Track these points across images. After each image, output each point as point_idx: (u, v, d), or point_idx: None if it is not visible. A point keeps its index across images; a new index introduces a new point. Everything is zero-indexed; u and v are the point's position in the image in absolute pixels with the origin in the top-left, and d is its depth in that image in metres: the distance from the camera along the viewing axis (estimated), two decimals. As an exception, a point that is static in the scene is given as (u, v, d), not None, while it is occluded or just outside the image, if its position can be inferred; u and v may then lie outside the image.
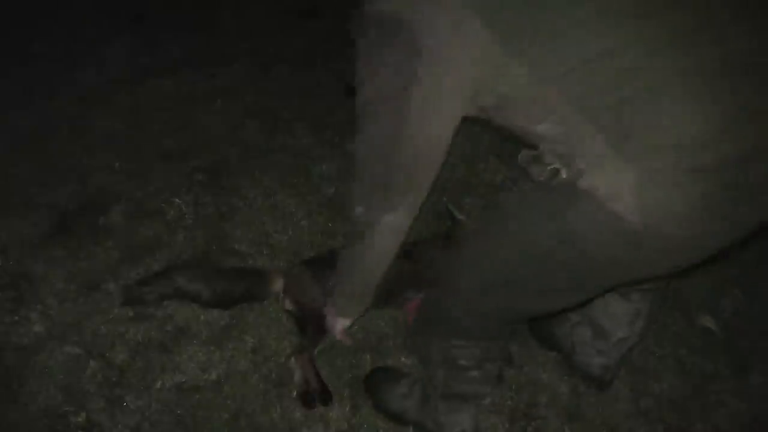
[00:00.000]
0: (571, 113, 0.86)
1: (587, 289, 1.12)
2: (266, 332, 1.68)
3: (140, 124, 2.35)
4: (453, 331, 1.29)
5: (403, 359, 1.67)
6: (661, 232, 0.87)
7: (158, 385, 1.55)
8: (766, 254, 1.99)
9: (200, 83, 2.60)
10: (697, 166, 0.81)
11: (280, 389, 1.57)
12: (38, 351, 1.58)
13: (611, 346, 1.54)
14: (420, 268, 1.68)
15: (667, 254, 0.93)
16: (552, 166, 0.93)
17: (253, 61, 2.77)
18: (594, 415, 1.60)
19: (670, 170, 0.83)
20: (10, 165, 2.10)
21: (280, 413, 1.53)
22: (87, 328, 1.64)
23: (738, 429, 1.62)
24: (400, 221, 1.15)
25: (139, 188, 2.05)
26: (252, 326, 1.69)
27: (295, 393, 1.55)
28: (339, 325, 1.50)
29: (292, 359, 1.58)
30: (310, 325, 1.59)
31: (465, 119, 1.01)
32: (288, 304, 1.65)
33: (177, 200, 2.01)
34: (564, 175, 0.91)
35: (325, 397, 1.53)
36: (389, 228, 1.16)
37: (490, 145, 2.31)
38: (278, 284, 1.69)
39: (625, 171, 0.85)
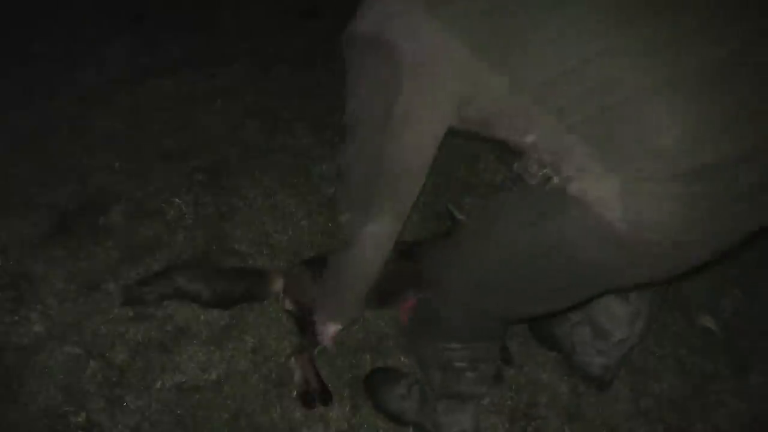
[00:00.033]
0: (553, 124, 0.88)
1: (577, 293, 1.12)
2: (266, 332, 1.68)
3: (140, 124, 2.35)
4: (444, 332, 1.29)
5: (402, 359, 1.67)
6: (649, 239, 0.88)
7: (158, 385, 1.55)
8: (766, 254, 1.99)
9: (200, 83, 2.59)
10: (680, 173, 0.82)
11: (280, 389, 1.57)
12: (38, 351, 1.58)
13: (611, 347, 1.54)
14: (420, 268, 1.67)
15: (658, 261, 0.94)
16: (543, 172, 0.94)
17: (253, 61, 2.76)
18: (594, 415, 1.60)
19: (652, 177, 0.83)
20: (10, 165, 2.10)
21: (280, 413, 1.53)
22: (87, 328, 1.64)
23: (738, 429, 1.62)
24: (383, 231, 1.17)
25: (139, 188, 2.05)
26: (252, 326, 1.69)
27: (295, 393, 1.55)
28: (328, 331, 1.50)
29: (292, 359, 1.58)
30: (310, 325, 1.59)
31: (454, 133, 1.04)
32: (288, 304, 1.65)
33: (177, 200, 2.01)
34: (555, 180, 0.92)
35: (325, 397, 1.53)
36: (372, 238, 1.18)
37: (490, 145, 2.31)
38: (278, 284, 1.69)
39: (608, 179, 0.85)
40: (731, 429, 1.62)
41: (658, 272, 1.00)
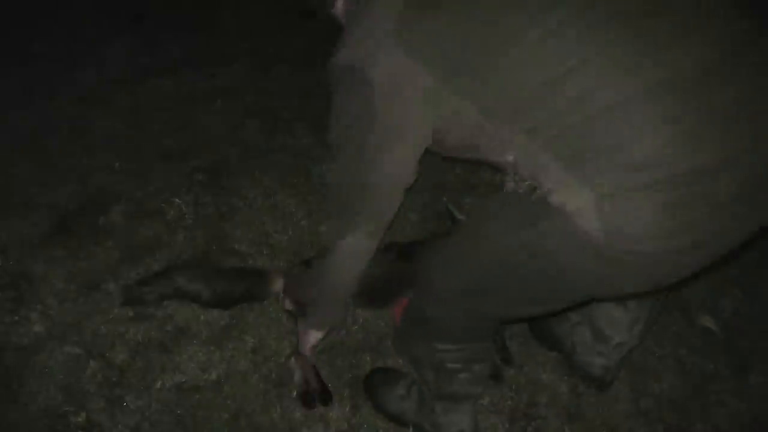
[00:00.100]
0: (527, 144, 0.91)
1: (561, 298, 1.13)
2: (266, 332, 1.68)
3: (140, 124, 2.35)
4: (435, 333, 1.30)
5: (402, 360, 1.66)
6: (628, 249, 0.88)
7: (158, 385, 1.55)
8: (766, 254, 1.99)
9: (200, 83, 2.60)
10: (656, 182, 0.83)
11: (280, 389, 1.57)
12: (38, 351, 1.58)
13: (611, 349, 1.55)
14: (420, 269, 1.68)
15: (642, 270, 0.94)
16: (528, 183, 0.97)
17: (253, 61, 2.76)
18: (594, 415, 1.60)
19: (628, 188, 0.85)
20: (10, 165, 2.10)
21: (280, 413, 1.53)
22: (87, 328, 1.64)
23: (738, 429, 1.62)
24: (358, 245, 1.23)
25: (139, 188, 2.05)
26: (252, 326, 1.69)
27: (295, 393, 1.55)
28: (309, 339, 1.51)
29: (292, 359, 1.58)
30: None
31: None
32: (288, 304, 1.65)
33: (177, 200, 2.01)
34: (539, 192, 0.94)
35: (325, 397, 1.53)
36: (349, 249, 1.24)
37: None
38: (278, 284, 1.69)
39: (584, 192, 0.87)
40: (731, 429, 1.61)
41: (645, 281, 1.01)
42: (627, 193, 0.85)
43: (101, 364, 1.57)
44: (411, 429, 1.50)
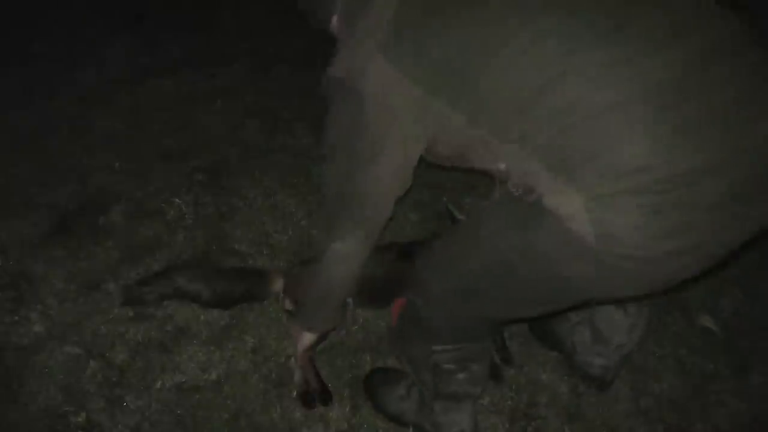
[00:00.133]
0: (517, 152, 0.93)
1: (556, 300, 1.14)
2: (266, 332, 1.68)
3: (140, 124, 2.35)
4: (430, 333, 1.30)
5: (399, 360, 1.66)
6: (620, 252, 0.89)
7: (158, 385, 1.55)
8: (766, 255, 1.99)
9: (200, 83, 2.60)
10: (642, 186, 0.83)
11: (280, 389, 1.57)
12: (38, 351, 1.58)
13: (611, 351, 1.55)
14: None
15: (634, 273, 0.94)
16: (523, 187, 0.98)
17: (253, 61, 2.76)
18: (594, 415, 1.60)
19: (615, 192, 0.85)
20: (10, 165, 2.10)
21: (280, 413, 1.53)
22: (87, 328, 1.64)
23: (738, 429, 1.62)
24: (347, 251, 1.24)
25: (139, 188, 2.05)
26: (252, 326, 1.69)
27: (295, 393, 1.55)
28: (303, 340, 1.52)
29: (292, 359, 1.58)
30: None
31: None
32: (288, 304, 1.65)
33: (177, 200, 2.01)
34: (533, 195, 0.95)
35: (325, 397, 1.53)
36: (339, 255, 1.25)
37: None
38: (278, 284, 1.69)
39: (572, 196, 0.88)
40: (731, 429, 1.61)
41: (640, 285, 1.01)
42: (615, 198, 0.85)
43: (101, 364, 1.57)
44: (411, 429, 1.50)
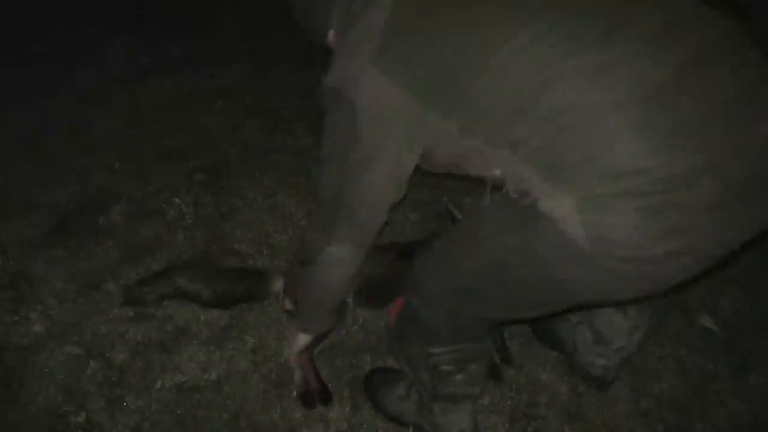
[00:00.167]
0: (509, 158, 0.94)
1: (552, 302, 1.15)
2: (266, 332, 1.68)
3: (140, 124, 2.35)
4: (427, 334, 1.30)
5: (397, 360, 1.66)
6: (614, 254, 0.89)
7: (158, 385, 1.55)
8: (766, 255, 1.99)
9: (200, 83, 2.60)
10: (632, 190, 0.84)
11: (280, 389, 1.57)
12: (38, 351, 1.58)
13: (611, 352, 1.55)
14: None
15: (631, 275, 0.94)
16: (519, 190, 0.98)
17: (253, 61, 2.77)
18: (594, 416, 1.60)
19: (605, 196, 0.86)
20: (10, 165, 2.10)
21: (280, 413, 1.52)
22: (87, 328, 1.64)
23: (738, 429, 1.62)
24: (342, 254, 1.26)
25: (139, 188, 2.05)
26: (252, 326, 1.69)
27: (295, 393, 1.55)
28: (299, 341, 1.52)
29: (290, 359, 1.58)
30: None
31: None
32: (288, 304, 1.65)
33: (177, 200, 2.01)
34: (529, 199, 0.96)
35: (325, 397, 1.53)
36: (333, 258, 1.27)
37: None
38: (278, 284, 1.69)
39: (565, 200, 0.88)
40: (731, 429, 1.61)
41: (637, 287, 1.01)
42: (607, 201, 0.86)
43: (101, 364, 1.57)
44: (411, 429, 1.50)
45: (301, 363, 1.56)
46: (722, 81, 0.85)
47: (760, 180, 0.86)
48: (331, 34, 1.16)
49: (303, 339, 1.52)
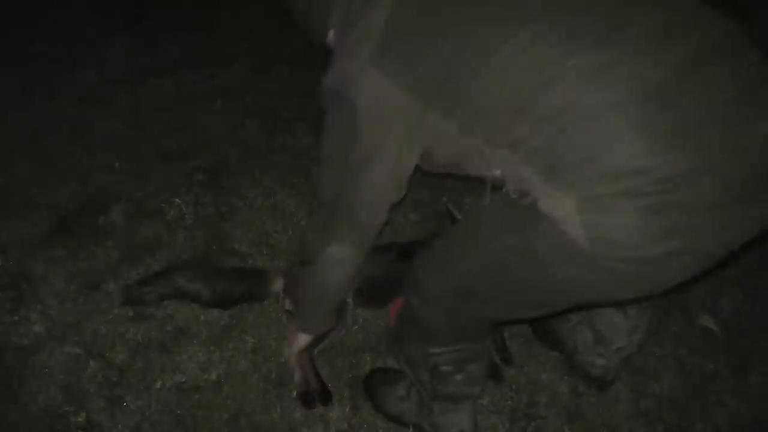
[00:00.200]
0: (509, 157, 0.94)
1: (552, 304, 1.15)
2: (266, 332, 1.68)
3: (140, 124, 2.35)
4: (427, 334, 1.30)
5: (397, 360, 1.66)
6: (614, 254, 0.89)
7: (158, 385, 1.55)
8: (766, 255, 1.99)
9: (200, 83, 2.60)
10: (632, 190, 0.84)
11: (280, 389, 1.57)
12: (38, 351, 1.58)
13: (612, 353, 1.55)
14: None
15: (631, 275, 0.94)
16: (519, 189, 0.98)
17: (253, 61, 2.77)
18: (594, 416, 1.60)
19: (604, 196, 0.86)
20: (10, 165, 2.10)
21: (280, 413, 1.52)
22: (87, 328, 1.64)
23: (738, 429, 1.62)
24: (342, 254, 1.26)
25: (139, 188, 2.05)
26: (252, 326, 1.69)
27: (295, 393, 1.55)
28: (298, 341, 1.52)
29: (290, 359, 1.58)
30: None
31: (428, 174, 1.18)
32: (288, 304, 1.65)
33: (177, 200, 2.01)
34: (529, 199, 0.96)
35: (325, 397, 1.53)
36: (333, 258, 1.27)
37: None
38: (278, 284, 1.69)
39: (564, 200, 0.88)
40: (731, 429, 1.61)
41: (637, 287, 1.01)
42: (607, 201, 0.86)
43: (101, 364, 1.57)
44: (411, 429, 1.50)
45: (301, 363, 1.56)
46: (722, 81, 0.85)
47: (760, 180, 0.86)
48: (331, 34, 1.16)
49: (303, 339, 1.52)
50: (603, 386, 1.62)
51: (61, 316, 1.66)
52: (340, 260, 1.27)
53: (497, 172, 1.00)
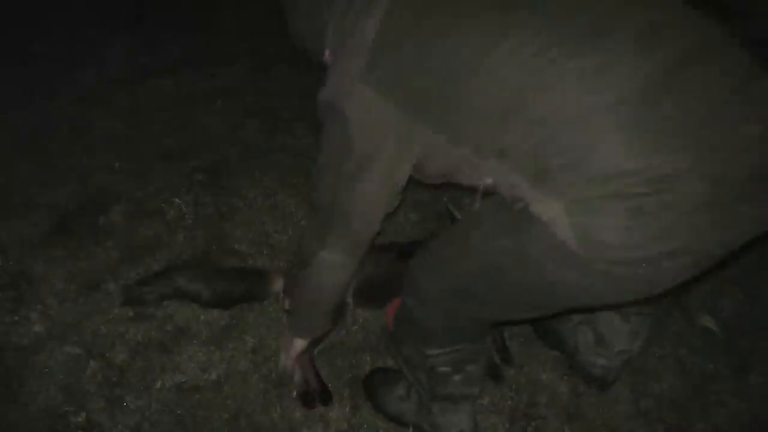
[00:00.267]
0: (497, 166, 0.96)
1: (546, 307, 1.15)
2: (266, 332, 1.68)
3: (140, 124, 2.35)
4: (423, 335, 1.30)
5: (396, 361, 1.66)
6: (606, 257, 0.89)
7: (158, 385, 1.55)
8: (766, 255, 1.99)
9: (200, 83, 2.60)
10: (620, 192, 0.84)
11: (280, 389, 1.57)
12: (38, 351, 1.58)
13: (613, 355, 1.55)
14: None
15: (625, 278, 0.93)
16: (511, 195, 0.99)
17: (253, 61, 2.77)
18: (594, 416, 1.60)
19: (593, 199, 0.86)
20: (10, 165, 2.10)
21: (280, 413, 1.53)
22: (87, 328, 1.64)
23: (738, 429, 1.62)
24: (335, 261, 1.27)
25: (139, 188, 2.05)
26: (252, 326, 1.69)
27: (295, 393, 1.55)
28: (295, 346, 1.51)
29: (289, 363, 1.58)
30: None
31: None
32: (288, 304, 1.65)
33: (177, 200, 2.01)
34: (521, 203, 0.97)
35: (325, 397, 1.53)
36: (326, 263, 1.27)
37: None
38: (278, 284, 1.69)
39: (553, 204, 0.89)
40: (731, 429, 1.61)
41: (634, 290, 1.00)
42: (596, 203, 0.86)
43: (101, 364, 1.57)
44: (411, 429, 1.50)
45: (301, 363, 1.56)
46: (711, 81, 0.85)
47: (760, 180, 0.86)
48: (327, 53, 1.18)
49: (299, 344, 1.51)
50: (603, 386, 1.62)
51: (61, 316, 1.66)
52: (331, 266, 1.28)
53: (489, 181, 1.01)
